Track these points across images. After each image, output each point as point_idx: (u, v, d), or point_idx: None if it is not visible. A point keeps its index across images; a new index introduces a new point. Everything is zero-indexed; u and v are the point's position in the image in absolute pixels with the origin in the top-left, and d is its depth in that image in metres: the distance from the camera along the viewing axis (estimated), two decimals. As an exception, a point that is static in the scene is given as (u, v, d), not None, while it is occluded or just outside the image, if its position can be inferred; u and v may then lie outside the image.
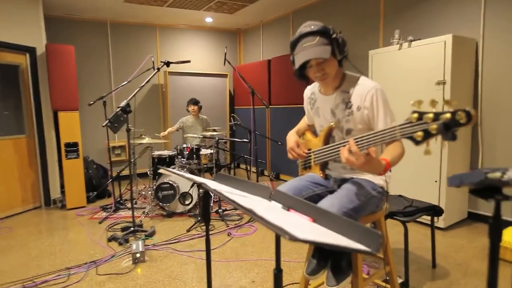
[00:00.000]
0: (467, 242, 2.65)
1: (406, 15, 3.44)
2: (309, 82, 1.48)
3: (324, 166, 1.50)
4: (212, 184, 1.33)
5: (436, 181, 2.86)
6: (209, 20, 5.39)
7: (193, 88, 5.59)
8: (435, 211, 2.16)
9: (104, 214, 3.58)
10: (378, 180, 1.40)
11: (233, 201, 0.86)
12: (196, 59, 5.86)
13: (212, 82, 5.79)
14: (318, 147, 1.46)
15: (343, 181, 1.46)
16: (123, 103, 2.81)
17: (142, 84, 3.10)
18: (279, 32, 5.30)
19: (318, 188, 1.48)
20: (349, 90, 1.40)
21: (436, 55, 2.74)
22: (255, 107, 4.42)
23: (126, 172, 4.72)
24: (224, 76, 5.86)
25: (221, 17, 5.23)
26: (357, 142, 1.14)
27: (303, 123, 1.75)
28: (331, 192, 1.45)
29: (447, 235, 2.81)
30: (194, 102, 4.38)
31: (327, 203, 1.25)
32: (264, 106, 4.95)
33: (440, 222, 2.88)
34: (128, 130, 2.91)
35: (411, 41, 2.92)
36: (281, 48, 5.28)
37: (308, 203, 0.96)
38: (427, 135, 0.88)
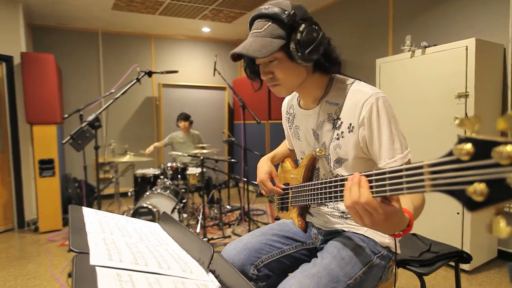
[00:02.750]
0: (500, 292, 2.14)
1: (418, 19, 3.03)
2: (261, 84, 1.06)
3: (304, 210, 1.06)
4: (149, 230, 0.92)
5: (458, 213, 2.37)
6: (206, 30, 5.10)
7: (189, 102, 5.25)
8: (461, 258, 1.68)
9: (76, 240, 3.18)
10: (382, 236, 0.94)
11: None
12: (194, 71, 5.55)
13: (210, 95, 5.46)
14: (296, 181, 1.03)
15: (331, 234, 1.01)
16: (91, 117, 2.46)
17: (117, 96, 2.74)
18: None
19: (289, 245, 1.02)
20: (337, 101, 0.96)
21: (456, 63, 2.31)
22: (252, 122, 4.04)
23: (111, 190, 4.36)
24: (223, 89, 5.52)
25: (219, 26, 4.92)
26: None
27: (282, 146, 1.32)
28: (311, 251, 1.01)
29: (474, 281, 2.30)
30: (184, 117, 4.02)
31: (294, 286, 0.78)
32: (265, 121, 4.57)
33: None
34: (96, 148, 2.55)
35: (426, 47, 2.49)
36: (282, 59, 4.91)
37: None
38: (501, 193, 0.41)
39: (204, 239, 3.01)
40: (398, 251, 0.92)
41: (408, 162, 0.86)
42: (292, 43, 0.87)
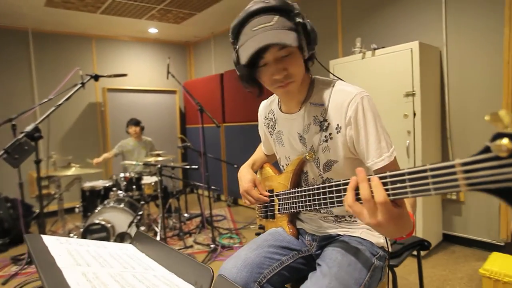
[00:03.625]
0: (450, 273, 2.34)
1: (366, 22, 3.21)
2: (262, 91, 0.99)
3: (294, 217, 1.03)
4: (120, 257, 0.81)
5: (411, 204, 2.55)
6: (153, 31, 4.86)
7: (138, 107, 4.96)
8: (422, 246, 1.80)
9: (14, 269, 2.79)
10: (377, 237, 0.95)
11: None
12: (141, 74, 5.25)
13: (160, 99, 5.21)
14: (283, 188, 1.00)
15: (327, 240, 0.99)
16: (29, 127, 2.17)
17: (60, 103, 2.47)
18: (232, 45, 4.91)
19: (286, 255, 0.98)
20: (322, 102, 0.94)
21: (403, 64, 2.48)
22: (207, 125, 3.93)
23: (54, 207, 3.92)
24: (173, 92, 5.31)
25: (167, 27, 4.72)
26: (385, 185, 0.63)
27: (259, 152, 1.26)
28: (306, 258, 0.98)
29: (427, 265, 2.49)
30: (135, 122, 3.77)
31: None
32: (220, 124, 4.49)
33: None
34: (37, 162, 2.26)
35: (375, 49, 2.65)
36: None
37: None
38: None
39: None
40: (389, 249, 0.94)
41: (394, 160, 0.88)
42: (304, 37, 0.85)
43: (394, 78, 2.54)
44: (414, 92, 2.44)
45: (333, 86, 0.94)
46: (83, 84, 2.72)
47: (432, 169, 0.51)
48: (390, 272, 1.58)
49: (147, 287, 0.62)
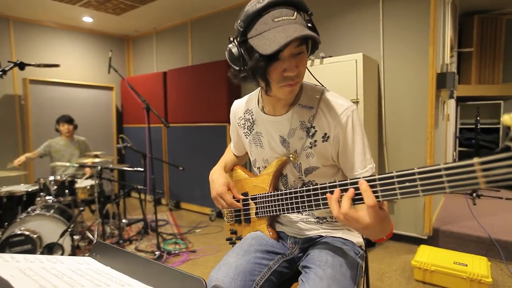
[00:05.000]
0: (386, 266, 2.57)
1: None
2: (270, 88, 0.91)
3: (273, 220, 1.02)
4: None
5: (353, 203, 2.74)
6: (88, 20, 4.43)
7: (67, 102, 4.45)
8: (370, 242, 1.94)
9: None
10: (357, 236, 0.98)
11: None
12: (71, 66, 4.73)
13: (94, 95, 4.76)
14: (261, 190, 0.97)
15: (309, 242, 0.99)
16: None
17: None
18: (176, 42, 4.73)
19: (272, 260, 0.96)
20: (312, 106, 0.94)
21: (348, 73, 2.66)
22: (147, 125, 3.71)
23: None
24: (110, 88, 4.90)
25: (104, 17, 4.34)
26: (373, 188, 0.66)
27: (229, 154, 1.21)
28: (289, 261, 0.97)
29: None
30: (67, 120, 3.38)
31: None
32: (162, 125, 4.27)
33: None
34: None
35: (323, 57, 2.80)
36: (177, 60, 4.71)
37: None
38: None
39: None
40: (365, 248, 0.98)
41: (376, 171, 0.93)
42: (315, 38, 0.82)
43: (340, 86, 2.71)
44: (358, 100, 2.63)
45: (322, 94, 0.95)
46: (4, 71, 2.34)
47: (446, 169, 0.55)
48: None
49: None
